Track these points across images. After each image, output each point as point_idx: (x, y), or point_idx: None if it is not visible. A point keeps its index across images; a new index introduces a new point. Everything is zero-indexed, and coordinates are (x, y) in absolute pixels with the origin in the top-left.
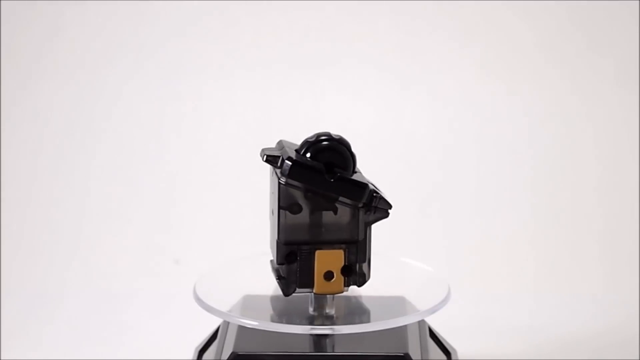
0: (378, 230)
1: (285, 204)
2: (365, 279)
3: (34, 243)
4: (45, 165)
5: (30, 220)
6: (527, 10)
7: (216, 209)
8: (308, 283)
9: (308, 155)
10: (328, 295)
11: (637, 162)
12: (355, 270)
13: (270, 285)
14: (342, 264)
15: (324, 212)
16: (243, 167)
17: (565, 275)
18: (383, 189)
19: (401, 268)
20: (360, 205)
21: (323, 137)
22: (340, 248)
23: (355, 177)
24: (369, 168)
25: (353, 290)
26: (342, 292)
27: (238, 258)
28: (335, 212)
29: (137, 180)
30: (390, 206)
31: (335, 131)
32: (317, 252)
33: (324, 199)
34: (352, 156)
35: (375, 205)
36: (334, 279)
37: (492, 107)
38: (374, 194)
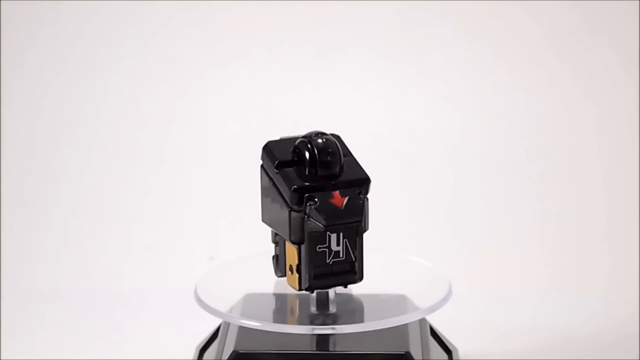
0: (379, 228)
1: (261, 185)
2: (303, 285)
3: (33, 242)
4: (45, 163)
5: (30, 220)
6: (532, 7)
7: (217, 208)
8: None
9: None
10: (312, 294)
11: None
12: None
13: (271, 285)
14: (297, 262)
15: (279, 205)
16: (244, 166)
17: (568, 274)
18: (383, 187)
19: (402, 265)
20: (290, 208)
21: (307, 135)
22: (295, 245)
23: (318, 182)
24: (371, 166)
25: (354, 287)
26: (297, 289)
27: (239, 257)
28: (280, 207)
29: (137, 179)
30: (323, 222)
31: (336, 129)
32: (286, 243)
33: (276, 191)
34: (321, 160)
35: (308, 214)
36: (293, 275)
37: (497, 105)
38: (308, 203)
